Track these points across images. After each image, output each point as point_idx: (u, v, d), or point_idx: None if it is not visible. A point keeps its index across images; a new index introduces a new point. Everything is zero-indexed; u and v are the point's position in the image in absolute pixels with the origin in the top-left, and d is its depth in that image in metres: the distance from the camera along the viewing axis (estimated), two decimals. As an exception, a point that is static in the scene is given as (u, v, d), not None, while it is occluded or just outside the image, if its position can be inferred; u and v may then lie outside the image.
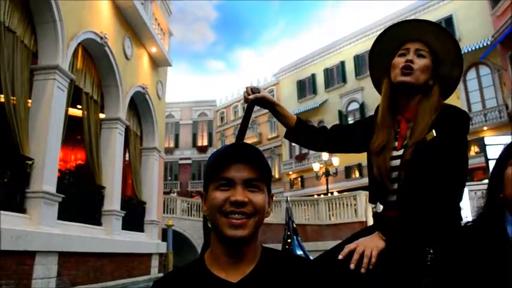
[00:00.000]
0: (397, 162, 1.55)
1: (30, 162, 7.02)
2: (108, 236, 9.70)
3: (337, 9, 76.84)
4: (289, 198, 11.05)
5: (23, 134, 7.05)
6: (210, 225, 1.12)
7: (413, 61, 1.56)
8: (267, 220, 1.11)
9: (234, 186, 1.06)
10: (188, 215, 20.85)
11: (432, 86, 1.58)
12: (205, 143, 38.72)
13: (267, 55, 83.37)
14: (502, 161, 1.30)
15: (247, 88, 1.77)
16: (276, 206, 17.43)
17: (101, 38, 9.47)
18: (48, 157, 7.25)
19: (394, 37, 1.65)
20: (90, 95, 9.81)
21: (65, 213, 7.88)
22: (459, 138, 1.47)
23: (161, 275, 12.72)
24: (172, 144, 37.56)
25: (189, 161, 37.97)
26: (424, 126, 1.49)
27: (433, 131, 1.47)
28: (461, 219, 1.49)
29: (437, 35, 1.60)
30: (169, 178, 36.52)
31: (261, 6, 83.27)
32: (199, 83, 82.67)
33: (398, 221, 1.44)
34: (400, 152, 1.55)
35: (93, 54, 9.90)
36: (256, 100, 1.75)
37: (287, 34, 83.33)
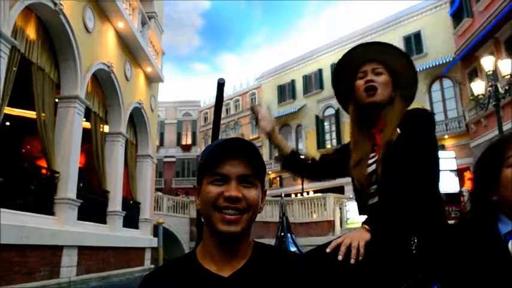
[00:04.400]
0: (373, 166, 1.63)
1: (57, 175, 8.82)
2: (112, 233, 11.55)
3: (316, 20, 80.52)
4: (283, 194, 11.73)
5: (50, 152, 8.83)
6: (202, 219, 1.11)
7: (374, 80, 1.67)
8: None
9: (228, 182, 1.05)
10: (174, 212, 21.90)
11: (395, 97, 1.70)
12: (189, 142, 39.75)
13: (250, 60, 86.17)
14: (493, 160, 1.21)
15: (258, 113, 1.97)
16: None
17: (108, 66, 11.26)
18: (70, 170, 9.07)
19: (352, 61, 1.78)
20: (97, 113, 11.58)
21: (81, 214, 9.66)
22: (420, 129, 1.54)
23: (153, 266, 14.54)
24: (157, 143, 38.67)
25: (173, 159, 39.06)
26: (391, 129, 1.58)
27: (397, 129, 1.57)
28: (442, 208, 1.59)
29: (388, 52, 1.73)
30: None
31: (244, 15, 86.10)
32: (184, 84, 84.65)
33: (378, 210, 1.53)
34: (375, 158, 1.64)
35: (100, 79, 11.66)
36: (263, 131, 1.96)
37: (269, 41, 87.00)
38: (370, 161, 1.66)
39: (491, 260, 1.09)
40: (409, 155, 1.47)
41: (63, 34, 9.14)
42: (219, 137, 1.40)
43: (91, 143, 11.31)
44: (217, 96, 1.71)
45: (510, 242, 1.11)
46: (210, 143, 1.26)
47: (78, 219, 9.47)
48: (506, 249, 1.10)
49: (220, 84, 1.68)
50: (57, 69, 9.45)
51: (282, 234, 10.29)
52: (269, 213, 18.52)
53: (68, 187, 8.92)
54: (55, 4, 8.43)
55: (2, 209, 6.66)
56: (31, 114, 10.33)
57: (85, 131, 11.05)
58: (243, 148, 1.07)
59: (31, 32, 8.42)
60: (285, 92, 32.47)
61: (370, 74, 1.69)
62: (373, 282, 1.34)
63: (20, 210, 7.39)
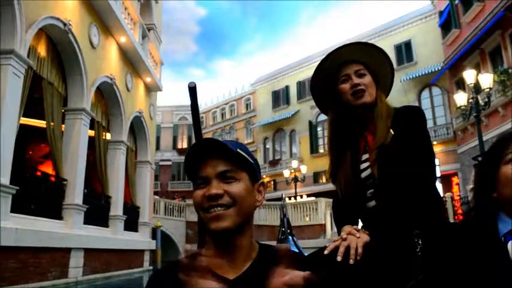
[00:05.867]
0: (368, 171, 1.59)
1: (65, 182, 9.49)
2: (114, 236, 12.22)
3: (309, 28, 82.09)
4: (284, 195, 11.43)
5: (58, 160, 9.49)
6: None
7: (360, 83, 1.61)
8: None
9: (209, 183, 1.07)
10: (170, 215, 22.47)
11: (378, 95, 1.65)
12: (185, 145, 40.03)
13: (245, 65, 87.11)
14: (492, 157, 1.21)
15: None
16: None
17: (111, 79, 11.94)
18: (77, 177, 9.75)
19: (330, 66, 1.69)
20: (100, 123, 12.25)
21: (86, 219, 10.31)
22: (415, 129, 1.53)
23: (151, 267, 15.22)
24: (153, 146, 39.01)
25: (169, 163, 39.47)
26: (382, 131, 1.55)
27: (391, 130, 1.53)
28: (443, 207, 1.58)
29: (366, 52, 1.69)
30: (150, 179, 38.05)
31: (240, 22, 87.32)
32: (180, 89, 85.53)
33: (376, 212, 1.53)
34: (368, 162, 1.60)
35: (103, 90, 12.34)
36: None
37: (264, 47, 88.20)
38: (363, 165, 1.62)
39: (491, 261, 1.08)
40: (412, 154, 1.47)
41: (71, 51, 9.82)
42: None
43: (94, 150, 11.95)
44: (191, 101, 1.57)
45: (510, 242, 1.11)
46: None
47: (84, 223, 10.12)
48: (505, 250, 1.10)
49: (192, 88, 1.54)
50: (64, 83, 10.11)
51: (283, 237, 10.52)
52: (263, 216, 19.02)
53: (75, 193, 9.59)
54: (64, 24, 9.11)
55: (20, 215, 7.36)
56: (33, 122, 11.03)
57: (88, 139, 11.58)
58: (215, 147, 1.07)
59: (42, 50, 9.09)
60: (279, 97, 32.97)
61: (355, 77, 1.63)
62: (375, 284, 1.33)
63: (34, 215, 8.06)
